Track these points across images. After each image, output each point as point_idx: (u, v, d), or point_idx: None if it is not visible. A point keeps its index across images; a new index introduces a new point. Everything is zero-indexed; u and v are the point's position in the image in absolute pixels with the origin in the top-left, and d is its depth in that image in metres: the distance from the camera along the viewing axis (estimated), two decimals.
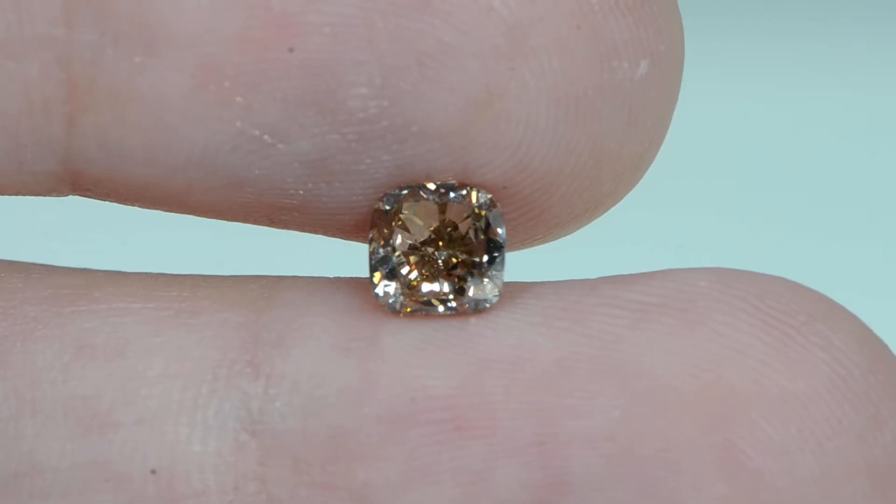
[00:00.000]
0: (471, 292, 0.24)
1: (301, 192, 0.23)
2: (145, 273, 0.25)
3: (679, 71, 0.24)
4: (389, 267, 0.24)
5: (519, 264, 0.25)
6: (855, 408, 0.22)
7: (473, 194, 0.24)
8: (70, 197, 0.25)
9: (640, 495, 0.22)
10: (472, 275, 0.24)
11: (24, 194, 0.24)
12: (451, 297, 0.24)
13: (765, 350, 0.22)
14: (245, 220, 0.24)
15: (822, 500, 0.22)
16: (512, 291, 0.24)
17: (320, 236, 0.25)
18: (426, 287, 0.24)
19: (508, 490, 0.23)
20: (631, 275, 0.24)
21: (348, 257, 0.28)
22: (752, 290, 0.23)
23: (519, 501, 0.23)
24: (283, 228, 0.24)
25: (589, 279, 0.24)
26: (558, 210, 0.24)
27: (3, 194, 0.24)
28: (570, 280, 0.24)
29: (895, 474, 0.22)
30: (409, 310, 0.24)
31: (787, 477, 0.22)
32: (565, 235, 0.25)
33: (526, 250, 0.25)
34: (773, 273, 0.24)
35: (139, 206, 0.24)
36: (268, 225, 0.24)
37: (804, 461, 0.22)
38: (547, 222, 0.24)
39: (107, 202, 0.24)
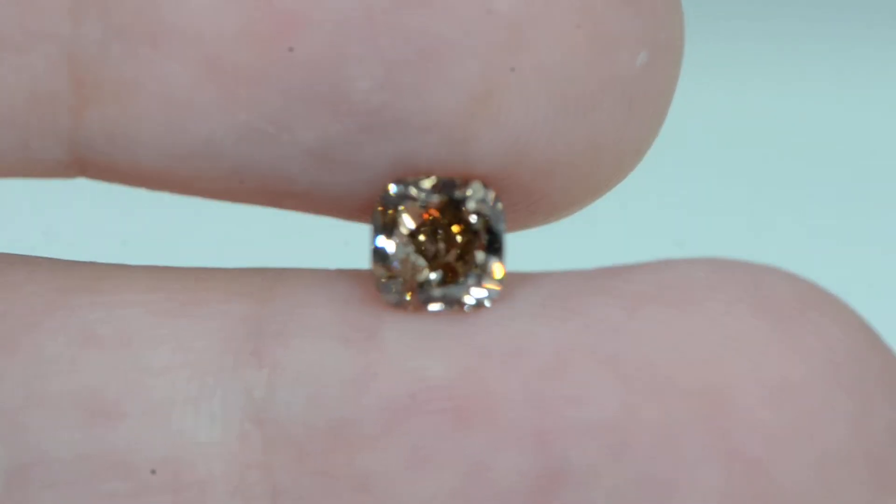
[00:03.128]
0: (470, 290, 0.24)
1: (305, 179, 0.24)
2: (150, 265, 0.25)
3: (679, 58, 0.24)
4: (390, 261, 0.24)
5: (517, 253, 0.25)
6: (849, 395, 0.22)
7: (475, 190, 0.24)
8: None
9: (638, 485, 0.23)
10: (471, 272, 0.24)
11: (30, 177, 0.24)
12: (450, 293, 0.24)
13: (760, 338, 0.23)
14: (249, 202, 0.25)
15: (819, 487, 0.22)
16: (510, 282, 0.24)
17: (324, 221, 0.25)
18: (426, 282, 0.24)
19: (508, 479, 0.23)
20: (627, 265, 0.24)
21: (350, 247, 0.29)
22: (747, 279, 0.23)
23: (518, 490, 0.23)
24: (287, 210, 0.25)
25: (586, 269, 0.24)
26: (557, 197, 0.24)
27: (9, 177, 0.24)
28: (568, 270, 0.24)
29: (891, 461, 0.23)
30: (408, 298, 0.24)
31: (783, 465, 0.22)
32: (564, 218, 0.25)
33: (524, 240, 0.25)
34: (768, 263, 0.24)
35: (146, 189, 0.25)
36: (272, 206, 0.25)
37: (800, 449, 0.22)
38: (545, 208, 0.24)
39: (112, 186, 0.25)
